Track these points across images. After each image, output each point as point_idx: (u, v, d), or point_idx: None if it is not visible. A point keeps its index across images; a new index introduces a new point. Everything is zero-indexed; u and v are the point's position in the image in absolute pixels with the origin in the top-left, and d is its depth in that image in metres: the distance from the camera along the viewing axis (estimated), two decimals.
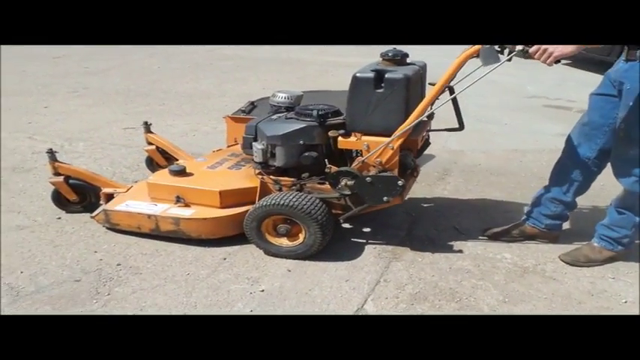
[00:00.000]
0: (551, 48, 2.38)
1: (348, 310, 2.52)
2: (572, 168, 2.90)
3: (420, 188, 3.88)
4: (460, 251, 3.05)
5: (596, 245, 2.92)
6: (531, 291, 2.70)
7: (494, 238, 3.14)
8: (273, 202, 2.85)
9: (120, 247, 3.03)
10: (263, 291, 2.66)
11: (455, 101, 2.97)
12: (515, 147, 4.79)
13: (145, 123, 4.01)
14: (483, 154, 4.58)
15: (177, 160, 3.77)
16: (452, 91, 2.95)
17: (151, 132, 4.01)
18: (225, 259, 2.94)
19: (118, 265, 2.86)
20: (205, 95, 6.46)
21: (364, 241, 3.14)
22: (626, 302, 2.63)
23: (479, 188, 3.91)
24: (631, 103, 2.51)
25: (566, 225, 3.24)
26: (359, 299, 2.61)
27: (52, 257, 2.92)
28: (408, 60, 3.04)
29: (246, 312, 2.50)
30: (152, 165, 4.02)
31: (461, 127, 3.07)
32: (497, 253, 3.04)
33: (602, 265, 2.90)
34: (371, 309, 2.54)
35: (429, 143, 3.37)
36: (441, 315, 2.51)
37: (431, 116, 3.19)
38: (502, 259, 2.98)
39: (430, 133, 3.36)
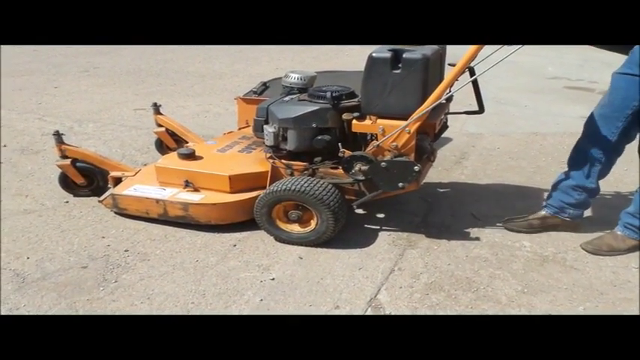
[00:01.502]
0: None
1: (361, 300, 2.44)
2: (593, 152, 2.76)
3: (437, 173, 3.77)
4: (477, 239, 2.95)
5: (620, 234, 2.80)
6: (551, 281, 2.60)
7: (514, 229, 3.02)
8: (284, 187, 2.76)
9: (128, 233, 2.96)
10: (273, 279, 2.58)
11: (475, 83, 2.86)
12: (536, 130, 4.64)
13: (155, 104, 3.92)
14: (502, 137, 4.44)
15: (187, 142, 3.69)
16: (472, 73, 2.84)
17: (161, 113, 3.93)
18: (235, 245, 2.86)
19: (126, 251, 2.80)
20: (217, 75, 6.36)
21: (378, 227, 3.05)
22: None
23: (497, 173, 3.79)
24: None
25: (587, 212, 3.13)
26: (372, 289, 2.52)
27: (59, 242, 2.86)
28: None
29: (256, 301, 2.42)
30: (162, 147, 3.95)
31: (481, 109, 2.95)
32: (515, 241, 2.93)
33: (625, 254, 2.79)
34: (384, 299, 2.45)
35: (447, 126, 3.26)
36: (453, 315, 2.42)
37: (449, 99, 3.07)
38: (521, 248, 2.87)
39: (448, 115, 3.23)
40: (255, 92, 3.80)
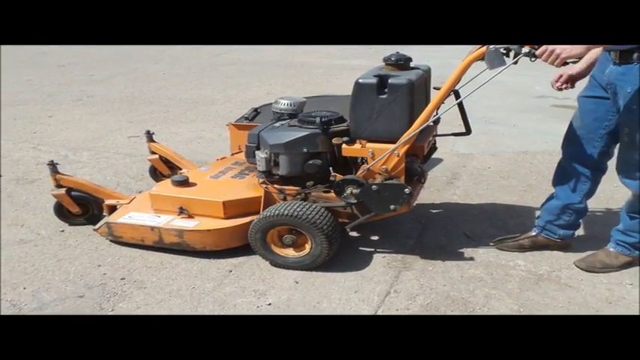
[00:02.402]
0: (558, 49, 2.29)
1: None
2: (578, 173, 2.81)
3: (429, 194, 3.81)
4: (472, 259, 2.98)
5: (612, 250, 2.83)
6: (547, 299, 2.62)
7: (505, 249, 3.05)
8: (277, 212, 2.79)
9: (124, 261, 2.98)
10: (270, 304, 2.60)
11: (461, 106, 2.91)
12: (525, 149, 4.70)
13: (148, 132, 3.96)
14: (492, 157, 4.49)
15: (180, 169, 3.72)
16: (457, 96, 2.89)
17: (154, 141, 3.96)
18: (230, 271, 2.88)
19: (122, 279, 2.81)
20: (209, 101, 6.41)
21: (373, 249, 3.07)
22: None
23: (489, 192, 3.83)
24: (635, 107, 2.42)
25: (578, 230, 3.17)
26: (369, 312, 2.54)
27: (55, 272, 2.87)
28: (412, 64, 2.98)
29: None
30: (156, 174, 3.97)
31: (468, 131, 3.00)
32: (509, 260, 2.96)
33: (618, 270, 2.81)
34: None
35: (436, 148, 3.30)
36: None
37: (437, 121, 3.11)
38: (515, 267, 2.90)
39: (437, 137, 3.28)
40: (246, 118, 3.84)
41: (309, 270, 2.85)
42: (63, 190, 3.29)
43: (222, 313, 2.53)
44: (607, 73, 2.54)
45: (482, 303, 2.60)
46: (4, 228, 3.34)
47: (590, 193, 2.88)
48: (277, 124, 3.16)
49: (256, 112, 3.95)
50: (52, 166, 3.28)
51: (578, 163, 2.81)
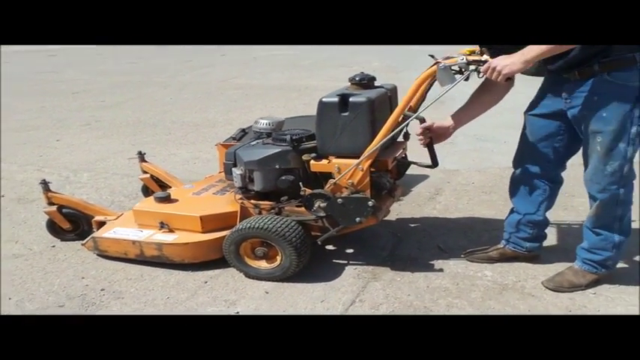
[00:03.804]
0: (499, 66, 2.40)
1: None
2: (532, 186, 2.90)
3: (410, 208, 3.90)
4: (440, 270, 3.06)
5: (579, 269, 2.84)
6: (507, 308, 2.70)
7: (474, 261, 3.13)
8: (249, 225, 2.92)
9: (107, 273, 3.12)
10: (238, 312, 2.72)
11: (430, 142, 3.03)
12: (511, 165, 4.75)
13: (139, 152, 4.14)
14: (478, 173, 4.57)
15: (170, 187, 3.88)
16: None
17: (145, 161, 4.13)
18: (206, 282, 3.00)
19: (102, 290, 2.95)
20: (211, 124, 6.60)
21: (345, 262, 3.17)
22: None
23: (469, 207, 3.91)
24: (605, 114, 2.46)
25: (551, 241, 3.25)
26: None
27: (40, 284, 3.02)
28: (377, 83, 3.12)
29: None
30: (148, 193, 4.12)
31: (434, 164, 3.08)
32: (478, 271, 3.04)
33: (586, 289, 2.81)
34: None
35: (409, 163, 3.39)
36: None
37: (406, 137, 3.24)
38: (482, 277, 2.98)
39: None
40: (234, 138, 3.98)
41: (280, 281, 2.96)
42: (54, 208, 3.46)
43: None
44: (565, 89, 2.59)
45: (443, 311, 2.68)
46: (2, 244, 3.51)
47: (548, 204, 2.95)
48: (253, 143, 3.31)
49: (244, 132, 4.10)
50: (45, 184, 3.46)
51: (533, 176, 2.89)
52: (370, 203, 2.83)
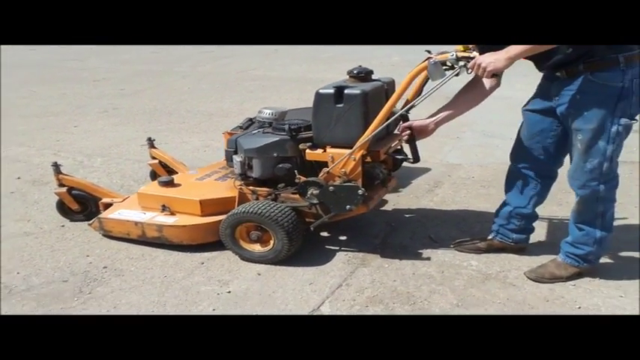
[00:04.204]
0: (484, 63, 2.49)
1: (304, 311, 2.68)
2: (526, 180, 2.98)
3: (408, 199, 4.00)
4: (428, 258, 3.16)
5: (562, 262, 2.91)
6: (487, 296, 2.79)
7: (463, 251, 3.22)
8: (244, 210, 3.05)
9: (110, 252, 3.29)
10: (230, 292, 2.85)
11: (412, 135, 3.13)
12: None
13: (149, 139, 4.29)
14: (480, 168, 4.64)
15: (176, 173, 4.03)
16: (405, 119, 3.12)
17: (155, 147, 4.29)
18: (202, 263, 3.15)
19: (105, 267, 3.11)
20: (225, 114, 6.75)
21: (338, 248, 3.29)
22: (580, 308, 2.68)
23: (465, 200, 4.00)
24: (586, 112, 2.54)
25: (540, 234, 3.32)
26: (317, 301, 2.76)
27: (47, 260, 3.20)
28: (374, 77, 3.22)
29: (209, 310, 2.70)
30: (156, 178, 4.27)
31: (415, 159, 3.19)
32: (464, 261, 3.13)
33: (567, 281, 2.88)
34: (326, 310, 2.69)
35: (405, 156, 3.46)
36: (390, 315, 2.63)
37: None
38: (468, 266, 3.07)
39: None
40: (241, 127, 4.11)
41: (273, 264, 3.09)
42: (64, 189, 3.63)
43: (186, 299, 2.80)
44: (554, 87, 2.68)
45: (424, 297, 2.79)
46: (12, 223, 3.70)
47: (538, 199, 3.02)
48: (255, 132, 3.45)
49: (251, 121, 4.21)
50: (56, 167, 3.64)
51: (526, 170, 2.98)
52: (360, 192, 2.94)
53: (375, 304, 2.74)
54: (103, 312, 2.69)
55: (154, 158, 4.27)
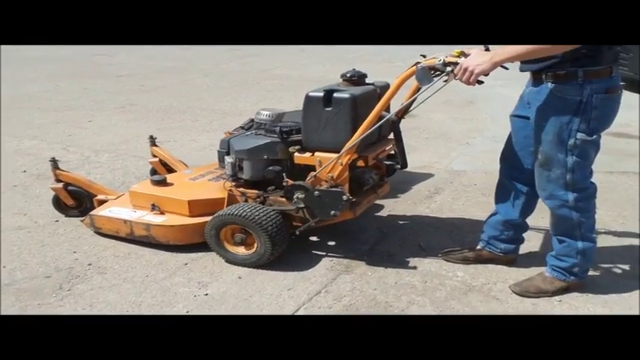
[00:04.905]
0: (470, 66, 2.41)
1: None
2: (513, 188, 2.91)
3: (405, 206, 3.94)
4: (414, 267, 3.10)
5: (548, 275, 2.83)
6: (467, 309, 2.72)
7: (450, 260, 3.15)
8: (229, 212, 3.03)
9: (98, 249, 3.31)
10: (207, 295, 2.84)
11: (398, 137, 3.08)
12: None
13: (151, 137, 4.31)
14: (484, 175, 4.53)
15: (175, 171, 4.04)
16: (396, 130, 3.06)
17: (156, 145, 4.30)
18: (186, 264, 3.14)
19: (89, 264, 3.13)
20: (239, 113, 6.74)
21: (324, 253, 3.25)
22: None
23: (463, 208, 3.91)
24: (544, 123, 2.52)
25: (531, 246, 3.23)
26: (292, 307, 2.73)
27: (35, 255, 3.24)
28: (368, 80, 3.17)
29: (183, 312, 2.69)
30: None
31: (403, 165, 3.17)
32: (450, 271, 3.06)
33: (553, 296, 2.79)
34: None
35: (398, 164, 3.40)
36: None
37: (397, 137, 3.26)
38: (453, 277, 3.00)
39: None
40: (242, 127, 4.11)
41: (256, 267, 3.07)
42: (60, 185, 3.67)
43: (163, 300, 2.79)
44: (526, 94, 2.65)
45: (402, 307, 2.73)
46: (9, 216, 3.76)
47: (527, 208, 2.94)
48: (248, 133, 3.43)
49: (253, 122, 4.22)
50: (54, 162, 3.68)
51: (513, 179, 2.91)
52: (344, 197, 2.90)
53: (351, 312, 2.69)
54: (78, 310, 2.71)
55: (154, 156, 4.28)
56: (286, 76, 9.53)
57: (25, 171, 4.64)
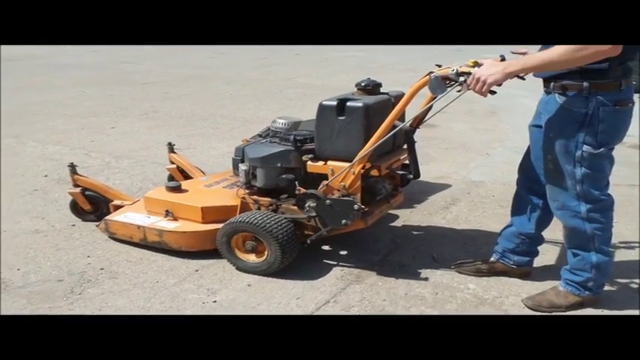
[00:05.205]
0: (483, 76, 2.37)
1: None
2: (529, 200, 2.86)
3: (420, 216, 3.90)
4: (425, 279, 3.06)
5: (562, 290, 2.76)
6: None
7: (463, 272, 3.10)
8: (240, 219, 3.04)
9: (111, 254, 3.33)
10: (215, 302, 2.84)
11: (412, 148, 3.06)
12: None
13: (169, 144, 4.35)
14: (502, 186, 4.47)
15: (192, 178, 4.06)
16: (410, 140, 3.04)
17: (174, 152, 4.34)
18: (197, 270, 3.15)
19: (102, 269, 3.16)
20: (259, 121, 6.76)
21: (335, 262, 3.23)
22: None
23: (479, 219, 3.86)
24: (552, 135, 2.50)
25: (547, 260, 3.17)
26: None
27: (49, 259, 3.27)
28: (382, 90, 3.16)
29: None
30: None
31: (415, 175, 3.14)
32: (462, 283, 3.01)
33: (567, 311, 2.72)
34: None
35: (411, 174, 3.36)
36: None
37: (411, 146, 3.23)
38: (464, 290, 2.96)
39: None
40: (260, 135, 4.12)
41: (266, 275, 3.06)
42: (78, 190, 3.72)
43: (171, 306, 2.80)
44: (540, 104, 2.62)
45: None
46: (27, 220, 3.82)
47: (543, 221, 2.88)
48: (263, 141, 3.44)
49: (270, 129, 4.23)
50: (72, 167, 3.74)
51: (529, 191, 2.86)
52: (356, 207, 2.88)
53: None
54: (87, 313, 2.73)
55: (172, 163, 4.32)
56: (309, 84, 9.57)
57: (46, 175, 4.71)
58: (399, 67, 11.71)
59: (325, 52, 14.30)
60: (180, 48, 13.96)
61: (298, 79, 10.12)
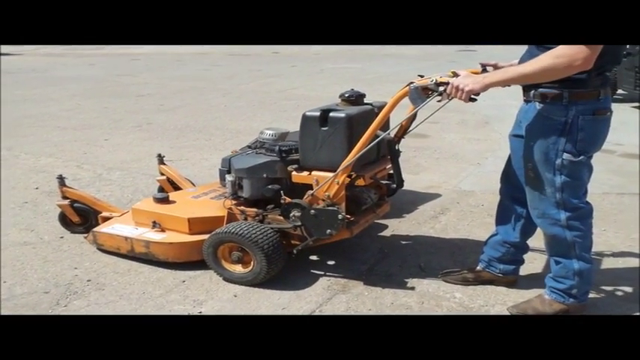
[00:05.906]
0: (461, 84, 2.39)
1: None
2: (513, 209, 2.87)
3: (409, 226, 3.90)
4: (412, 288, 3.06)
5: (547, 298, 2.76)
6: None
7: (450, 281, 3.10)
8: (226, 230, 3.04)
9: (98, 266, 3.33)
10: (200, 312, 2.84)
11: (394, 158, 3.08)
12: None
13: (159, 155, 4.36)
14: (492, 195, 4.42)
15: (181, 190, 4.07)
16: (393, 151, 3.06)
17: (164, 164, 4.35)
18: (184, 281, 3.15)
19: (89, 280, 3.16)
20: (253, 132, 6.74)
21: (322, 272, 3.23)
22: None
23: (467, 228, 3.86)
24: (531, 143, 2.52)
25: (534, 268, 3.18)
26: None
27: (37, 270, 3.28)
28: (367, 100, 3.18)
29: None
30: None
31: (398, 185, 3.16)
32: (448, 292, 3.01)
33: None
34: None
35: (396, 184, 3.37)
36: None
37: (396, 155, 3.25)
38: (450, 299, 2.96)
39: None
40: (249, 147, 4.13)
41: (252, 286, 3.06)
42: (67, 202, 3.73)
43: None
44: (520, 112, 2.63)
45: None
46: (16, 232, 3.82)
47: (527, 229, 2.89)
48: (249, 152, 3.45)
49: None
50: (61, 179, 3.75)
51: (512, 200, 2.87)
52: (340, 216, 2.89)
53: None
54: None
55: (162, 174, 4.33)
56: (304, 96, 9.59)
57: (37, 188, 4.73)
58: (394, 78, 11.73)
59: (321, 64, 14.37)
60: (176, 60, 14.05)
61: (293, 91, 10.16)
